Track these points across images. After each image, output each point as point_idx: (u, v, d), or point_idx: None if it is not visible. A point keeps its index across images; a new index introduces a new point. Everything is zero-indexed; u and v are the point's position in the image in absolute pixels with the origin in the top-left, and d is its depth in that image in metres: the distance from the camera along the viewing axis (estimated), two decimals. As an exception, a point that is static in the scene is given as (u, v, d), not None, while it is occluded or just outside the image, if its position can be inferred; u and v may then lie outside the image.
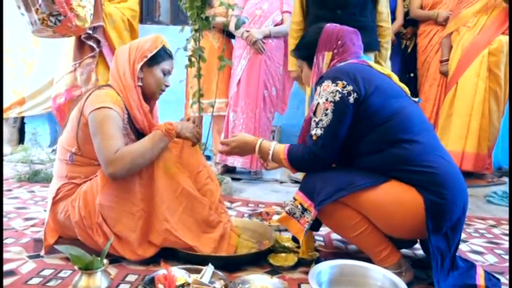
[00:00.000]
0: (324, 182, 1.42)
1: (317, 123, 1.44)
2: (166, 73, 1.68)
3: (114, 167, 1.45)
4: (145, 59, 1.61)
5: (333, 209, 1.43)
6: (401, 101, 1.45)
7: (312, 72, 1.58)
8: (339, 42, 1.52)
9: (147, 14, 4.61)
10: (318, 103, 1.44)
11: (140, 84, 1.62)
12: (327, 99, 1.41)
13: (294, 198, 1.48)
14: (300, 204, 1.45)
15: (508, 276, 1.59)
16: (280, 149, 1.52)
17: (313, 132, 1.44)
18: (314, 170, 1.48)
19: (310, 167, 1.48)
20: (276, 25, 3.16)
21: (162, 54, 1.64)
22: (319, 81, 1.47)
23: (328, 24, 1.57)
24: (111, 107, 1.51)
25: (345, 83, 1.39)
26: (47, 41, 3.77)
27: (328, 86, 1.41)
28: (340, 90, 1.39)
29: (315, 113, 1.46)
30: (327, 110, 1.41)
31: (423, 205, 1.34)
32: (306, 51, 1.61)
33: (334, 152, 1.44)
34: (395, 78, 1.54)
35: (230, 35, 3.31)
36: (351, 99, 1.39)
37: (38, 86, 3.85)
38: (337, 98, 1.39)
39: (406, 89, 1.53)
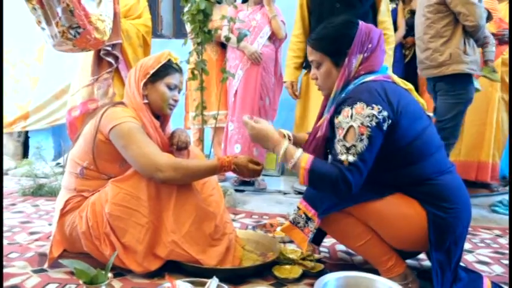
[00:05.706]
0: None
1: (348, 149, 1.30)
2: (172, 87, 1.66)
3: (172, 172, 1.48)
4: (148, 76, 1.62)
5: (337, 218, 1.43)
6: (422, 122, 1.39)
7: (340, 73, 1.42)
8: (370, 45, 1.40)
9: (150, 27, 4.67)
10: (351, 126, 1.30)
11: (146, 101, 1.63)
12: (362, 123, 1.28)
13: (298, 208, 1.47)
14: (304, 213, 1.44)
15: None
16: (303, 157, 1.36)
17: (343, 157, 1.30)
18: (331, 192, 1.36)
19: (330, 188, 1.32)
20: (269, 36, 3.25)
21: (166, 69, 1.64)
22: (347, 101, 1.33)
23: (361, 22, 1.43)
24: (132, 120, 1.54)
25: (381, 107, 1.29)
26: (50, 57, 3.84)
27: (362, 108, 1.29)
28: (377, 115, 1.28)
29: (345, 137, 1.31)
30: (362, 135, 1.28)
31: (426, 219, 1.34)
32: (334, 45, 1.42)
33: (361, 182, 1.33)
34: (415, 93, 1.47)
35: (225, 47, 3.37)
36: (385, 126, 1.30)
37: (42, 101, 3.90)
38: (373, 123, 1.28)
39: (424, 104, 1.48)
